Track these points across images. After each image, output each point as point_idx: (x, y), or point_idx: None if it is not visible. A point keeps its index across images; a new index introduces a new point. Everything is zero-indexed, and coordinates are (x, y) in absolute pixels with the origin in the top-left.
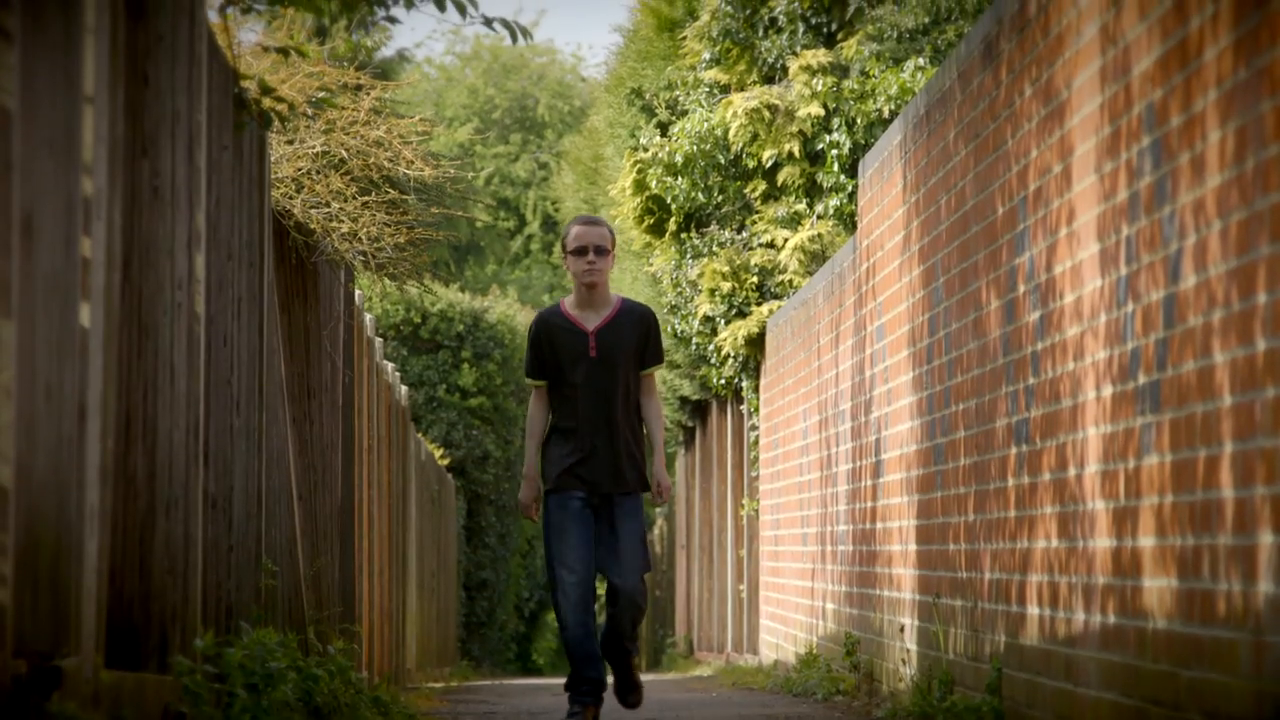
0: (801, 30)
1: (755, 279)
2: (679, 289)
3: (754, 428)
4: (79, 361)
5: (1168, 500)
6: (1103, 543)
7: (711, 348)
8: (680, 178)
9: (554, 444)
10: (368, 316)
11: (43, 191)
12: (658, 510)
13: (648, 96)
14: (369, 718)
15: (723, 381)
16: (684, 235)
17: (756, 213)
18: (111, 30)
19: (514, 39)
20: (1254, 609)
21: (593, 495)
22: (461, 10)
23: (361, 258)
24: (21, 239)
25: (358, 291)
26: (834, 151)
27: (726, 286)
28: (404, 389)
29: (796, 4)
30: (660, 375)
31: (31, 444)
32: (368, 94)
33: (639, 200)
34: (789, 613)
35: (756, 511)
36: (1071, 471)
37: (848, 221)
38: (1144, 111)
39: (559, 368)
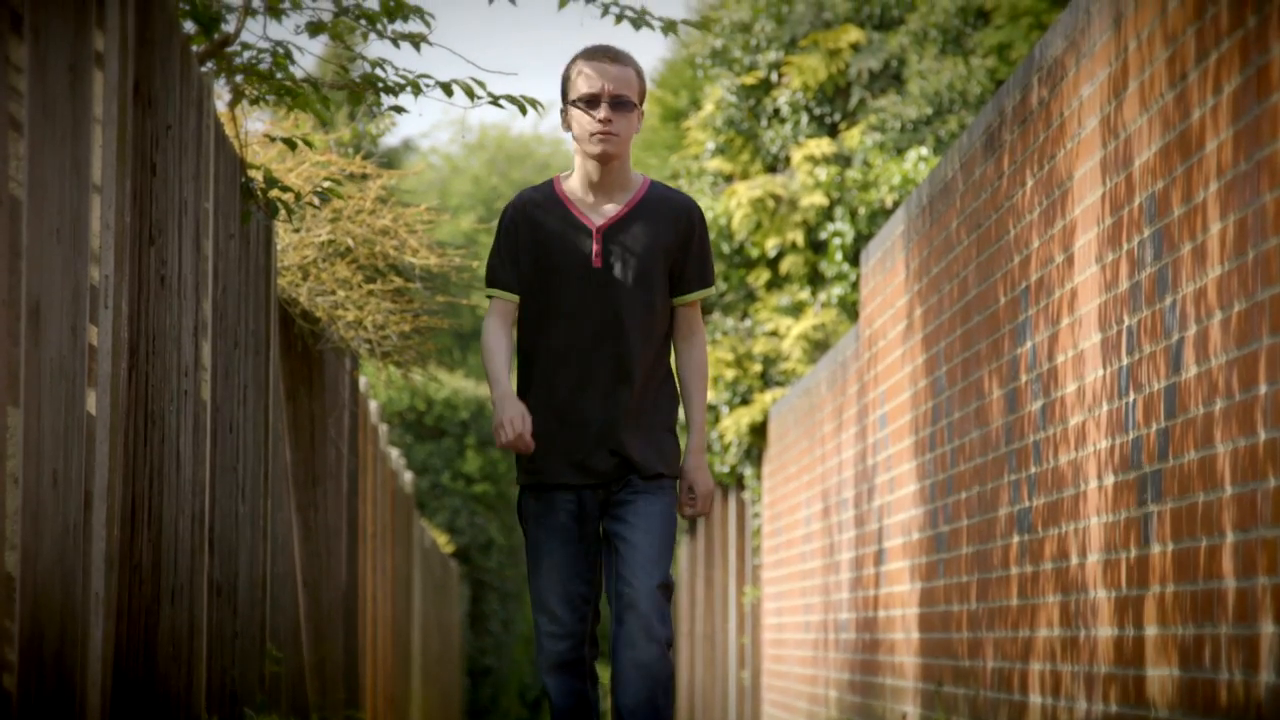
0: (804, 120)
1: (758, 367)
2: None
3: (756, 515)
4: (85, 449)
5: (1169, 589)
6: (1105, 631)
7: (715, 435)
8: None
9: (528, 405)
10: (372, 403)
11: (51, 280)
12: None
13: None
14: None
15: (726, 469)
16: None
17: (760, 301)
18: (120, 121)
19: (524, 112)
20: (1255, 699)
21: (593, 492)
22: (470, 94)
23: (367, 345)
24: (29, 327)
25: (363, 379)
26: (837, 241)
27: (730, 374)
28: (408, 475)
29: (799, 94)
30: None
31: (38, 531)
32: (374, 182)
33: None
34: (792, 700)
35: (759, 599)
36: (1073, 560)
37: (850, 310)
38: (1146, 202)
39: (541, 281)
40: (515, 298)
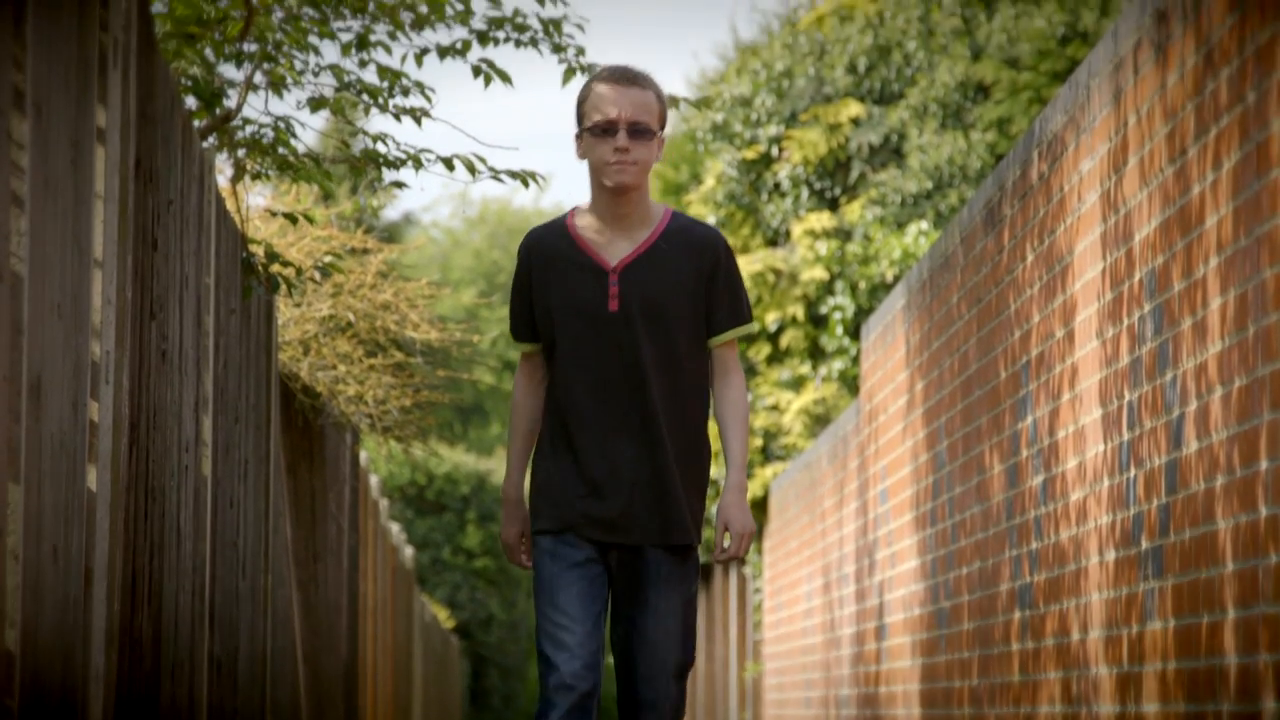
0: (805, 195)
1: (759, 441)
2: None
3: (758, 590)
4: (86, 524)
5: (1171, 666)
6: (1106, 708)
7: (715, 510)
8: None
9: (547, 454)
10: (373, 478)
11: (52, 355)
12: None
13: None
14: None
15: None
16: None
17: (760, 375)
18: (121, 196)
19: (525, 185)
20: None
21: (608, 549)
22: (471, 169)
23: (368, 420)
24: (30, 402)
25: (363, 454)
26: (837, 315)
27: None
28: (409, 550)
29: (800, 168)
30: None
31: (38, 607)
32: (374, 256)
33: None
34: None
35: (760, 674)
36: (1075, 636)
37: (851, 385)
38: (1146, 277)
39: (554, 327)
40: (536, 347)
